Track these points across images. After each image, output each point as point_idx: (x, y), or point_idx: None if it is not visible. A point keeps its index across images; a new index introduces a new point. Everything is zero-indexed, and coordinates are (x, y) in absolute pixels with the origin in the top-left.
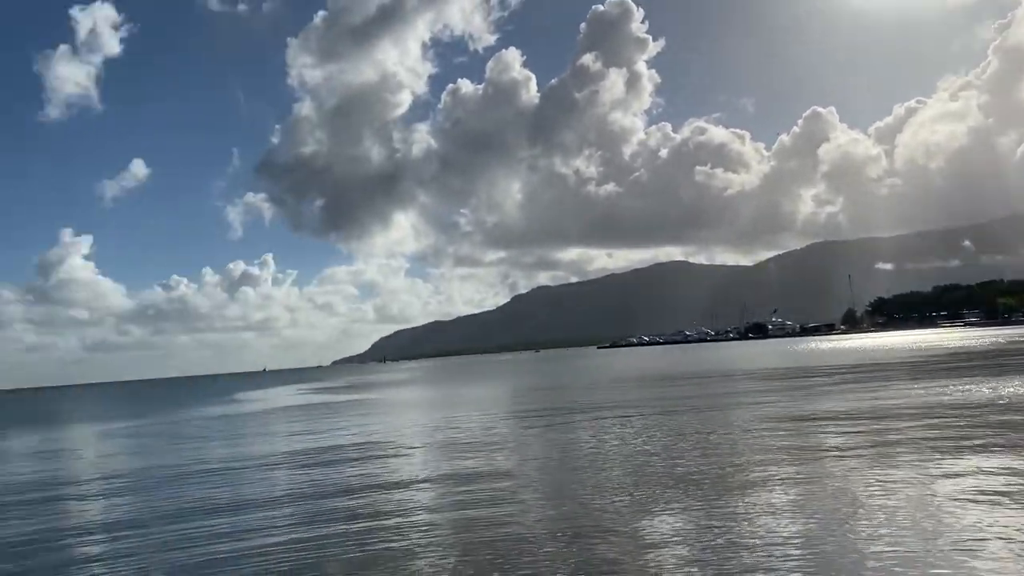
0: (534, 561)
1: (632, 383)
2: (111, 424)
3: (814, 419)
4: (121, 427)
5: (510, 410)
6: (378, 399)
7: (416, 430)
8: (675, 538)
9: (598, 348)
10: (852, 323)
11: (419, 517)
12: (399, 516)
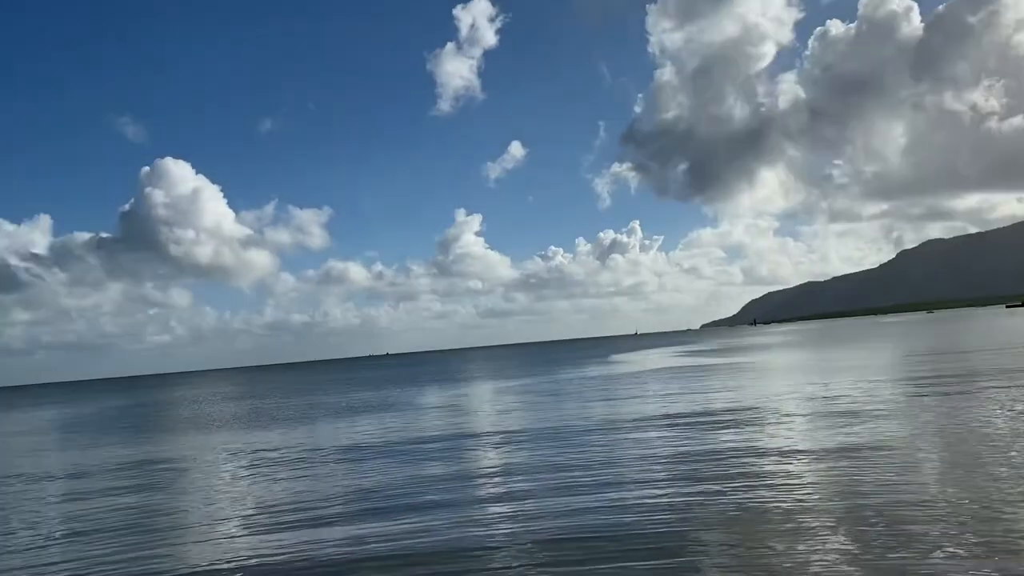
0: (928, 531)
1: None
2: (504, 383)
3: None
4: (512, 385)
5: (898, 376)
6: (749, 362)
7: (791, 395)
8: None
9: (1007, 307)
10: None
11: (799, 480)
12: (778, 478)
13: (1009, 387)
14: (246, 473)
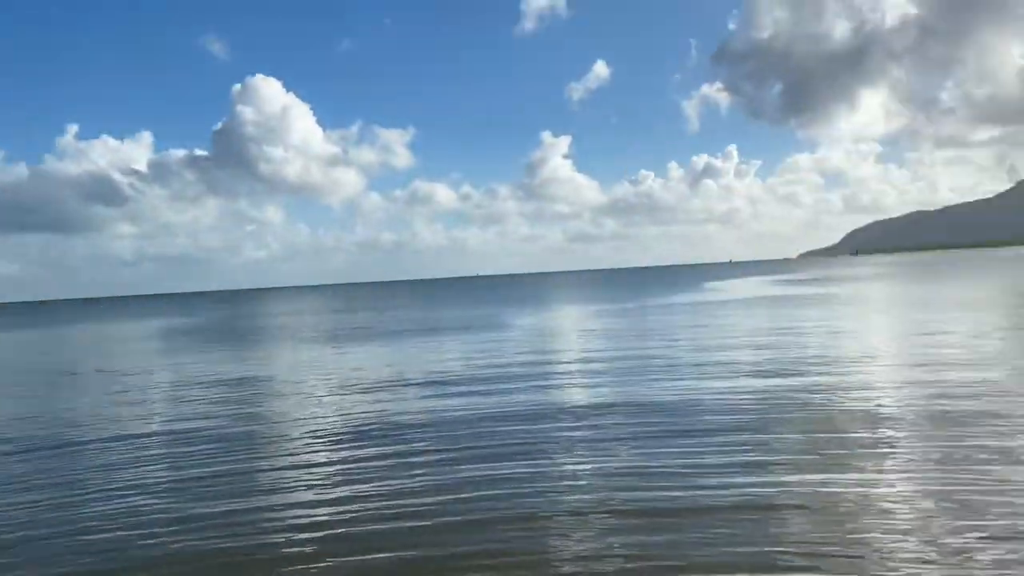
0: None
1: None
2: (590, 306)
3: None
4: (600, 309)
5: (1007, 315)
6: (844, 294)
7: (886, 333)
8: None
9: None
10: None
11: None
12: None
13: None
14: (330, 396)
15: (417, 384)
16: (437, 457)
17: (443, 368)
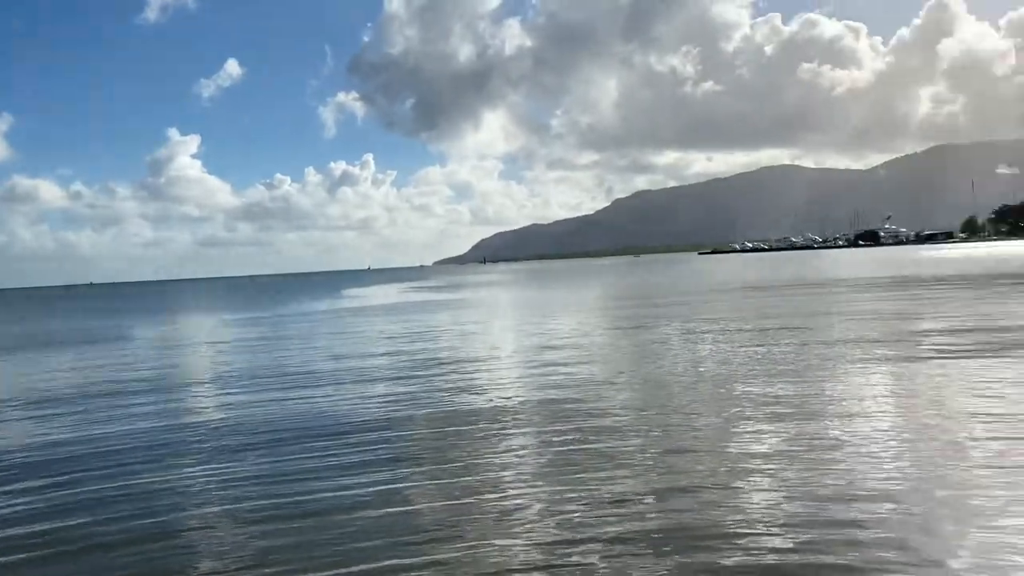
0: (614, 475)
1: (734, 291)
2: (223, 316)
3: (930, 334)
4: (233, 318)
5: (601, 315)
6: (473, 299)
7: (507, 334)
8: (757, 459)
9: (699, 254)
10: (973, 231)
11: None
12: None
13: (691, 332)
14: None
15: (17, 406)
16: (44, 481)
17: (50, 387)
